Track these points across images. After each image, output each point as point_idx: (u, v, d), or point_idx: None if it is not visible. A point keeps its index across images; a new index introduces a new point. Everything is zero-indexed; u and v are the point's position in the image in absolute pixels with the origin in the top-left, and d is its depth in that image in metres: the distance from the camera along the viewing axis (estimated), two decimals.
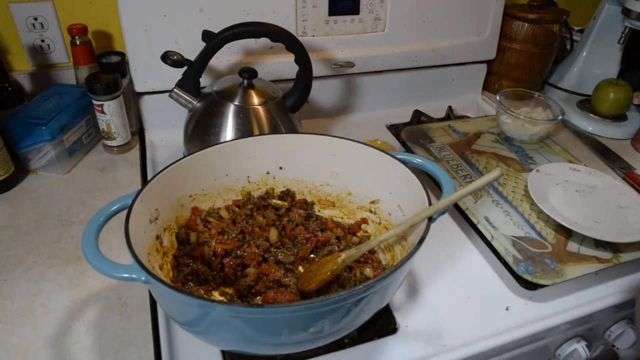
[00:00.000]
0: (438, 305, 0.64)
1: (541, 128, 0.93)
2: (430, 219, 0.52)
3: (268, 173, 0.69)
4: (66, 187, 0.81)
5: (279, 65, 0.94)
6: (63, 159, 0.83)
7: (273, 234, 0.65)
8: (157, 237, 0.57)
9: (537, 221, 0.75)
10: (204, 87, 0.81)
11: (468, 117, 1.13)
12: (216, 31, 0.75)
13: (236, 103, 0.77)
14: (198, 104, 0.79)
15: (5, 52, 0.91)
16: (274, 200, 0.69)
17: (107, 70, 0.87)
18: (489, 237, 0.71)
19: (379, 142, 0.94)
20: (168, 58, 0.76)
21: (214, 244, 0.61)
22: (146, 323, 0.59)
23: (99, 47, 0.95)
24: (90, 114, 0.89)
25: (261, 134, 0.77)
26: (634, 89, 1.07)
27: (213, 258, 0.60)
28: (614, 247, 0.71)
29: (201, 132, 0.78)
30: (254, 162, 0.68)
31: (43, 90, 0.88)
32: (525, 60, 1.12)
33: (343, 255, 0.57)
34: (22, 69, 0.94)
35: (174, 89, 0.78)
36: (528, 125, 0.93)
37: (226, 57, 0.91)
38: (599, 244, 0.71)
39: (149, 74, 0.89)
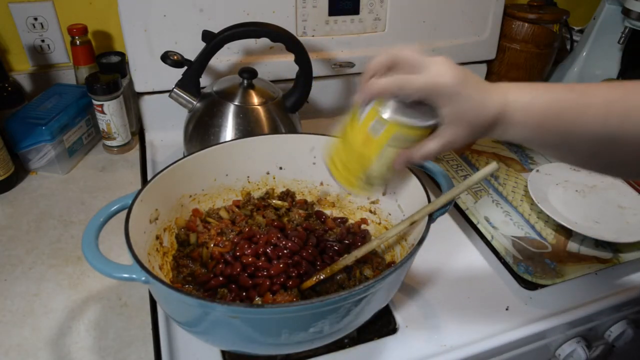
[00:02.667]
0: (438, 305, 0.64)
1: None
2: (431, 219, 0.52)
3: (268, 173, 0.69)
4: (66, 187, 0.81)
5: (279, 65, 0.94)
6: (63, 159, 0.83)
7: None
8: (157, 238, 0.57)
9: (537, 221, 0.75)
10: (204, 87, 0.81)
11: None
12: (216, 31, 0.75)
13: (236, 103, 0.77)
14: (198, 104, 0.79)
15: (5, 52, 0.91)
16: (274, 201, 0.69)
17: (107, 70, 0.87)
18: (489, 237, 0.71)
19: None
20: (168, 58, 0.76)
21: (212, 245, 0.61)
22: (146, 323, 0.59)
23: (99, 47, 0.95)
24: (90, 114, 0.89)
25: (261, 134, 0.77)
26: None
27: (210, 260, 0.60)
28: (614, 247, 0.71)
29: (201, 132, 0.78)
30: (254, 162, 0.68)
31: (43, 90, 0.88)
32: (525, 61, 1.12)
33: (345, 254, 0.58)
34: (22, 69, 0.94)
35: (174, 89, 0.78)
36: None
37: (226, 57, 0.91)
38: (599, 244, 0.71)
39: (149, 74, 0.89)
